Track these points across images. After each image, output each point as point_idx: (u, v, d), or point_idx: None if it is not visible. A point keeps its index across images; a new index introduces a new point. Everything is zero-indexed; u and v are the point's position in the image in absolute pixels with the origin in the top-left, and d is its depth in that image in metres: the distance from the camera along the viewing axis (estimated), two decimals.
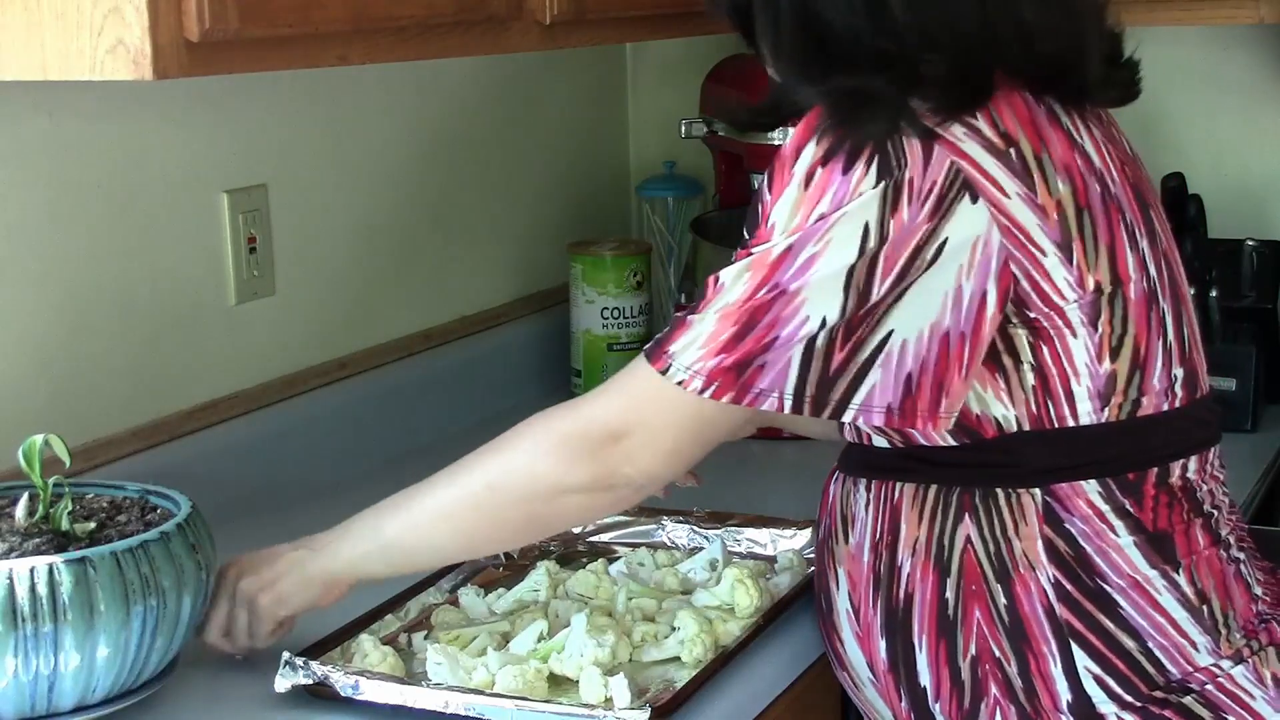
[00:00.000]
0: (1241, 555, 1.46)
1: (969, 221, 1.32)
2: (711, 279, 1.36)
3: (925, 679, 1.43)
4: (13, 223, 1.69)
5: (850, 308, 1.32)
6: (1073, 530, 1.38)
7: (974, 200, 1.32)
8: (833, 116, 1.33)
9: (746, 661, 1.50)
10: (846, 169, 1.31)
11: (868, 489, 1.46)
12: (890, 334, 1.34)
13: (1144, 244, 1.41)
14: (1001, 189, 1.33)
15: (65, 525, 1.36)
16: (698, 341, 1.35)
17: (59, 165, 1.74)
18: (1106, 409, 1.38)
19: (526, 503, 1.42)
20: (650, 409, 1.38)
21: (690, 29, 2.14)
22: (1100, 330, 1.37)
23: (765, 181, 1.36)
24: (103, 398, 1.80)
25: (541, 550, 1.76)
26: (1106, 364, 1.37)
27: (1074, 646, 1.38)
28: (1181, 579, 1.39)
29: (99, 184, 1.78)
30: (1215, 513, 1.44)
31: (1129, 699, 1.38)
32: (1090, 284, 1.36)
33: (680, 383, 1.35)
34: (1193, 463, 1.43)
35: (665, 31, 2.12)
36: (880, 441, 1.43)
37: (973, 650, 1.40)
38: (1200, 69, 2.43)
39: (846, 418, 1.36)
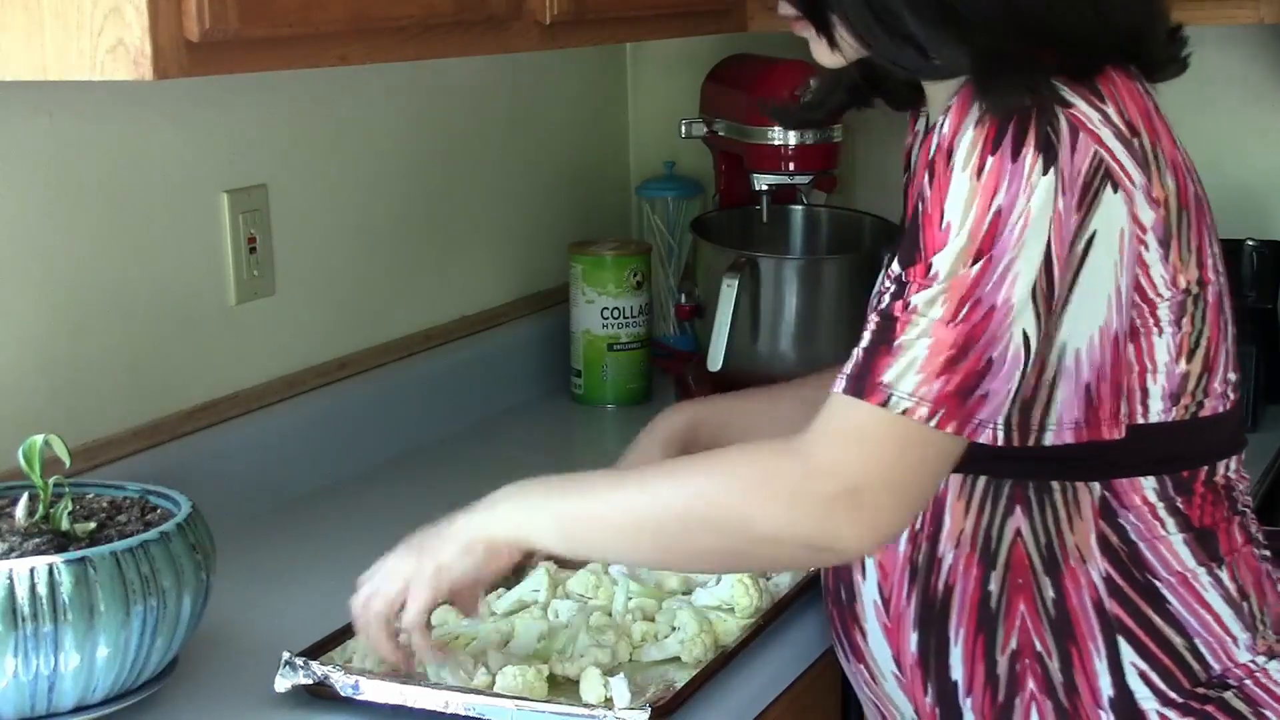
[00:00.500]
0: (1268, 553, 1.47)
1: (1112, 213, 1.31)
2: (897, 306, 1.27)
3: (958, 673, 1.42)
4: (13, 223, 1.69)
5: (1042, 320, 1.28)
6: (1125, 524, 1.38)
7: (1114, 190, 1.31)
8: (981, 91, 1.28)
9: (746, 661, 1.50)
10: (1015, 155, 1.26)
11: None
12: (1064, 345, 1.32)
13: (1217, 246, 1.41)
14: (1132, 180, 1.32)
15: (65, 525, 1.36)
16: (914, 366, 1.25)
17: (59, 165, 1.74)
18: (1175, 409, 1.38)
19: (728, 538, 1.32)
20: (877, 452, 1.27)
21: (690, 29, 2.14)
22: (1182, 330, 1.37)
23: (922, 181, 1.29)
24: (103, 398, 1.80)
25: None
26: (1183, 364, 1.37)
27: (1121, 641, 1.37)
28: (1224, 575, 1.40)
29: (99, 184, 1.78)
30: (1247, 511, 1.45)
31: (1171, 695, 1.37)
32: (1182, 283, 1.36)
33: (905, 411, 1.25)
34: (1233, 463, 1.44)
35: (665, 31, 2.12)
36: None
37: (1013, 644, 1.39)
38: (1200, 68, 2.42)
39: (1046, 441, 1.34)
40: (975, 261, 1.26)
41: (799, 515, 1.28)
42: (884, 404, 1.26)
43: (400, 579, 1.40)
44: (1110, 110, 1.32)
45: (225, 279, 1.95)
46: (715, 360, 2.14)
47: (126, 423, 1.82)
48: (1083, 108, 1.30)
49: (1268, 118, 2.44)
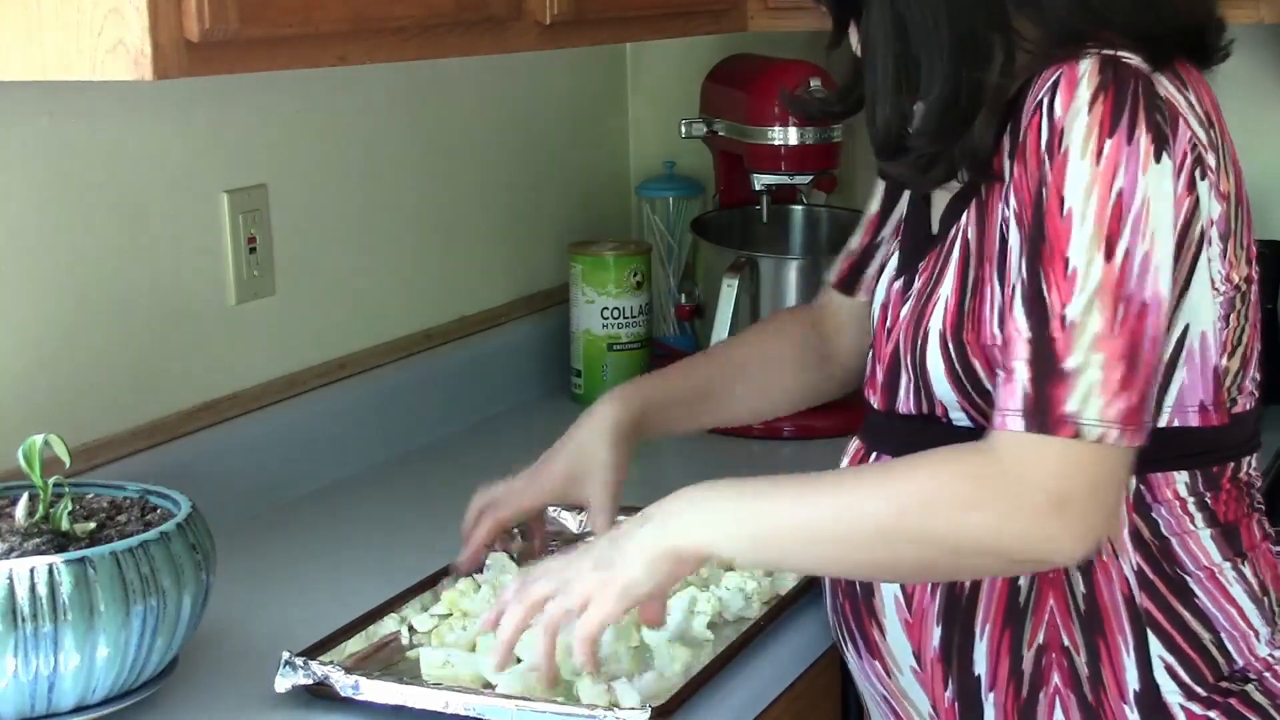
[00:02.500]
0: (1279, 549, 1.47)
1: (1205, 200, 1.32)
2: (1054, 325, 1.24)
3: (981, 668, 1.41)
4: (13, 223, 1.69)
5: (1170, 301, 1.28)
6: (1158, 518, 1.37)
7: (1203, 177, 1.32)
8: (1102, 71, 1.27)
9: (746, 661, 1.50)
10: (1130, 136, 1.25)
11: None
12: (1187, 327, 1.33)
13: (1253, 244, 1.42)
14: (1211, 170, 1.33)
15: (65, 525, 1.36)
16: (1094, 391, 1.24)
17: (59, 165, 1.74)
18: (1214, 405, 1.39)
19: (929, 549, 1.30)
20: (1077, 474, 1.25)
21: (690, 29, 2.14)
22: (1229, 327, 1.37)
23: (1043, 166, 1.27)
24: (103, 398, 1.80)
25: (541, 551, 1.76)
26: (1224, 361, 1.38)
27: (1150, 635, 1.37)
28: (1247, 570, 1.40)
29: (99, 184, 1.78)
30: (1262, 507, 1.46)
31: (1195, 688, 1.37)
32: (1235, 279, 1.37)
33: (1098, 438, 1.24)
34: (1254, 460, 1.45)
35: (665, 31, 2.12)
36: (962, 419, 1.39)
37: (1040, 639, 1.39)
38: None
39: (1161, 421, 1.34)
40: (1110, 254, 1.25)
41: (1008, 528, 1.26)
42: (1076, 436, 1.24)
43: (581, 594, 1.35)
44: (1192, 97, 1.33)
45: (225, 279, 1.95)
46: None
47: (126, 423, 1.82)
48: (1174, 92, 1.31)
49: (1268, 117, 2.44)
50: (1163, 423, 1.35)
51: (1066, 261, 1.26)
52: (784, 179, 2.34)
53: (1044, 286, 1.26)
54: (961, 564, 1.33)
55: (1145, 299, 1.25)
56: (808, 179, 2.35)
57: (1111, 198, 1.25)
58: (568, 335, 2.44)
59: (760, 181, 2.35)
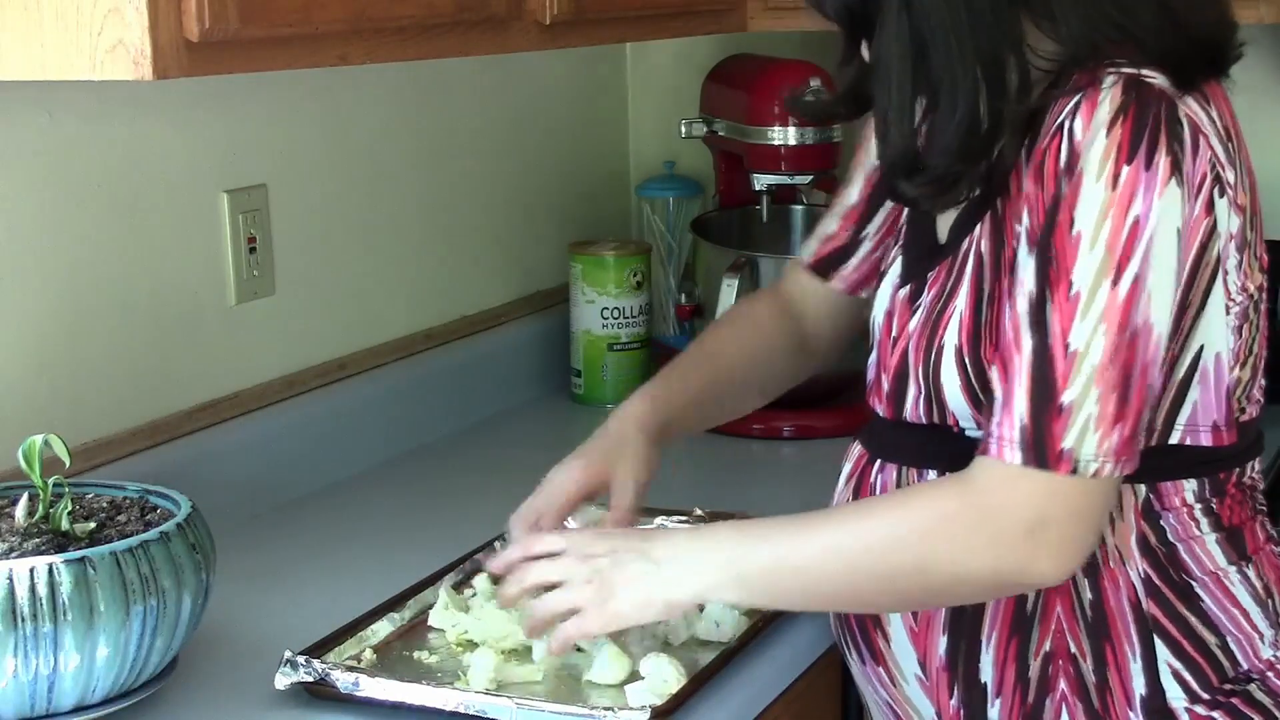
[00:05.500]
0: None
1: (1224, 218, 1.31)
2: (1056, 348, 1.25)
3: (987, 676, 1.41)
4: (13, 223, 1.69)
5: (1173, 322, 1.29)
6: (1165, 525, 1.37)
7: (1221, 195, 1.31)
8: (1125, 93, 1.26)
9: (746, 661, 1.50)
10: (1149, 162, 1.24)
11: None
12: (1201, 349, 1.33)
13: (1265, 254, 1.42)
14: (1230, 186, 1.32)
15: (65, 525, 1.36)
16: (1090, 425, 1.25)
17: (59, 165, 1.74)
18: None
19: (916, 584, 1.33)
20: (1066, 502, 1.27)
21: (690, 29, 2.14)
22: (1241, 338, 1.37)
23: (1059, 185, 1.27)
24: (103, 398, 1.80)
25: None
26: (1236, 371, 1.37)
27: (1157, 641, 1.37)
28: (1251, 573, 1.40)
29: (99, 184, 1.78)
30: (1264, 510, 1.46)
31: (1201, 693, 1.37)
32: (1249, 288, 1.36)
33: (1094, 473, 1.26)
34: (1257, 464, 1.45)
35: (665, 31, 2.12)
36: (974, 430, 1.38)
37: (1047, 647, 1.39)
38: None
39: (1173, 440, 1.34)
40: (1117, 280, 1.25)
41: (987, 558, 1.28)
42: (1073, 472, 1.25)
43: (576, 600, 1.40)
44: (1214, 112, 1.32)
45: (225, 279, 1.95)
46: None
47: (126, 423, 1.82)
48: (1196, 110, 1.30)
49: (1268, 118, 2.44)
50: (1174, 440, 1.35)
51: (1071, 284, 1.25)
52: (784, 179, 2.34)
53: (1047, 307, 1.26)
54: (948, 592, 1.35)
55: (1144, 327, 1.25)
56: (808, 179, 2.35)
57: (1127, 224, 1.24)
58: (568, 335, 2.44)
59: (760, 181, 2.35)
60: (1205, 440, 1.36)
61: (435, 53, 1.67)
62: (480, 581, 1.61)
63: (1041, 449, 1.25)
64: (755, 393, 1.76)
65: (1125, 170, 1.24)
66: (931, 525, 1.31)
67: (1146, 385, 1.27)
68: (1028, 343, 1.27)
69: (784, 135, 2.30)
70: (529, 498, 1.58)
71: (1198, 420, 1.36)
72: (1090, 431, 1.25)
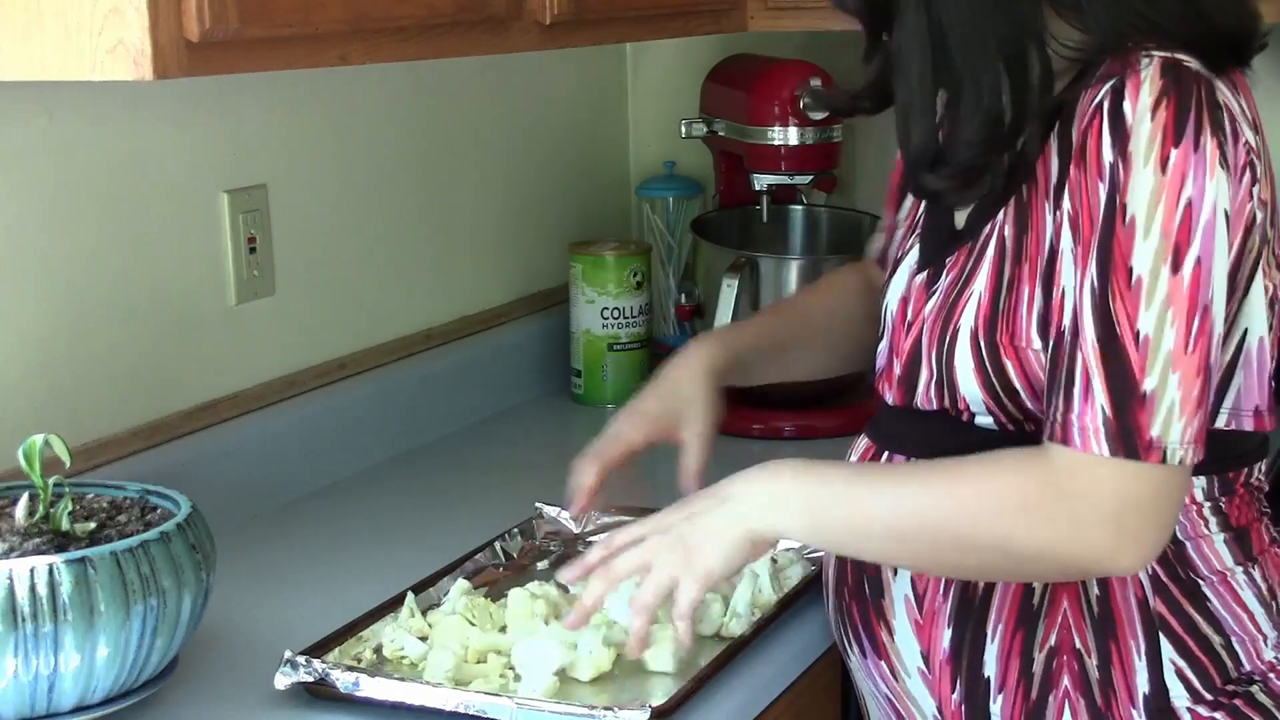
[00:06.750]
0: None
1: (1259, 205, 1.32)
2: (1126, 336, 1.24)
3: (991, 670, 1.41)
4: (13, 223, 1.69)
5: (1224, 307, 1.29)
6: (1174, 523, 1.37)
7: (1255, 183, 1.31)
8: (1163, 75, 1.25)
9: (746, 661, 1.50)
10: (1196, 144, 1.24)
11: None
12: (1246, 332, 1.33)
13: None
14: (1259, 179, 1.32)
15: (65, 525, 1.36)
16: (1175, 413, 1.25)
17: (59, 165, 1.74)
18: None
19: (988, 555, 1.33)
20: (1150, 489, 1.27)
21: (690, 29, 2.14)
22: (1270, 331, 1.38)
23: (1108, 171, 1.26)
24: (103, 398, 1.80)
25: (541, 550, 1.76)
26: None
27: (1162, 639, 1.37)
28: (1257, 574, 1.41)
29: (99, 184, 1.78)
30: (1269, 512, 1.46)
31: (1204, 693, 1.37)
32: (1269, 288, 1.36)
33: (1181, 460, 1.26)
34: (1264, 465, 1.45)
35: (665, 31, 2.12)
36: (986, 421, 1.39)
37: (1052, 642, 1.39)
38: None
39: (1219, 424, 1.34)
40: (1178, 265, 1.24)
41: (1069, 540, 1.28)
42: (1163, 460, 1.25)
43: (668, 574, 1.39)
44: (1244, 102, 1.32)
45: (225, 279, 1.95)
46: None
47: (126, 423, 1.82)
48: (1230, 96, 1.30)
49: (1268, 118, 2.44)
50: (1220, 424, 1.34)
51: (1130, 271, 1.25)
52: (784, 179, 2.34)
53: (1110, 296, 1.25)
54: (1023, 569, 1.34)
55: (1210, 308, 1.25)
56: (808, 179, 2.35)
57: (1180, 207, 1.24)
58: (568, 335, 2.44)
59: (760, 181, 2.35)
60: (1248, 425, 1.36)
61: (435, 53, 1.67)
62: (452, 596, 1.59)
63: (1130, 439, 1.25)
64: (825, 350, 1.76)
65: (1174, 153, 1.24)
66: (1018, 503, 1.29)
67: (1218, 368, 1.27)
68: (1090, 331, 1.26)
69: (784, 135, 2.30)
70: (591, 444, 1.61)
71: (1241, 405, 1.36)
72: (1175, 419, 1.24)
